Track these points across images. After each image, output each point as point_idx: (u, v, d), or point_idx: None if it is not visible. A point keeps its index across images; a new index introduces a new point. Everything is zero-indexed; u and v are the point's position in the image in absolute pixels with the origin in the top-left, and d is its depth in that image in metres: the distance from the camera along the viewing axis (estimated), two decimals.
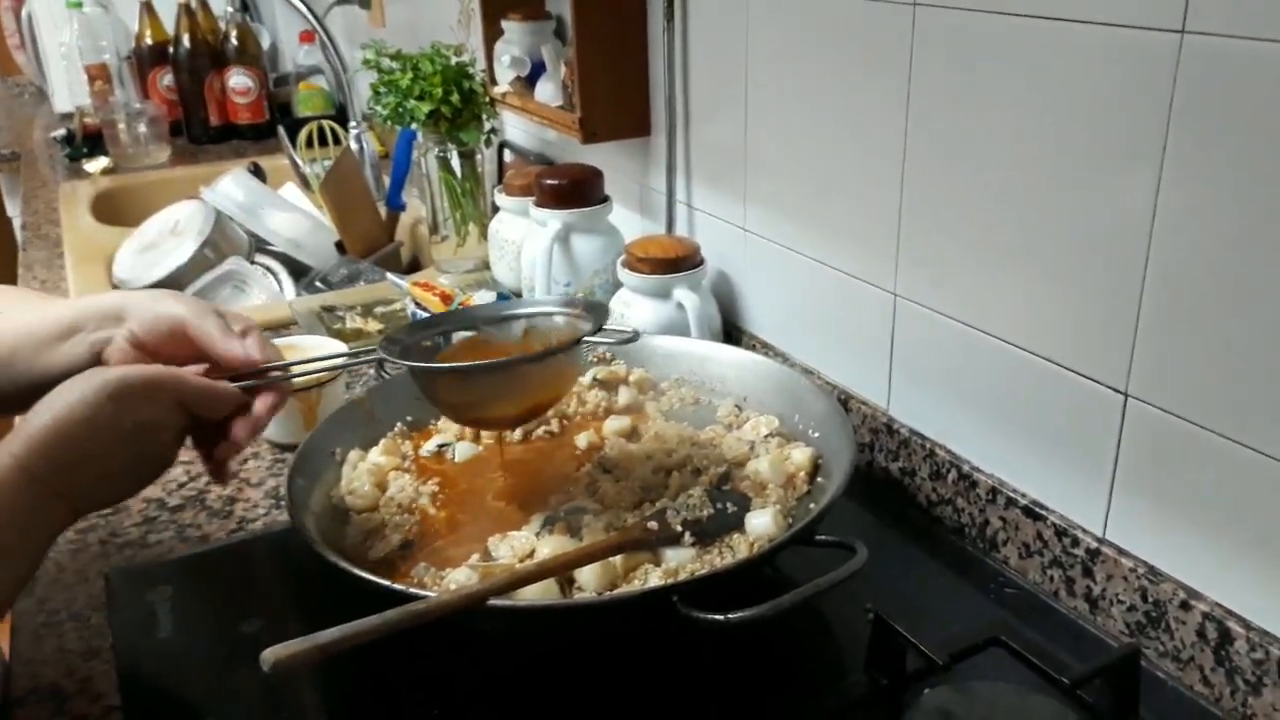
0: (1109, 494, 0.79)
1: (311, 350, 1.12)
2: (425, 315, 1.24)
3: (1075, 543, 0.82)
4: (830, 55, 0.98)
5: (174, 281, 1.57)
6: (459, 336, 0.89)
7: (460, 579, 0.75)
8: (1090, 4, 0.71)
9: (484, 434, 0.98)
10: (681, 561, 0.77)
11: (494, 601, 0.68)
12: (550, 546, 0.78)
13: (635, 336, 0.86)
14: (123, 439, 0.71)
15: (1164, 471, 0.75)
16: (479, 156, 1.55)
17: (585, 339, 0.81)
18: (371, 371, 1.24)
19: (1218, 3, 0.64)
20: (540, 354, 0.83)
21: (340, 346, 1.13)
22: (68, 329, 0.82)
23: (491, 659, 0.80)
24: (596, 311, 0.84)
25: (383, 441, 0.96)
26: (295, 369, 0.82)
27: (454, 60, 1.48)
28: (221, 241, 1.62)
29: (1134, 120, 0.70)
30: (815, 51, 1.00)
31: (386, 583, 0.72)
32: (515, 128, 1.74)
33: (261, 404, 0.79)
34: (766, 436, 0.94)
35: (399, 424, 0.99)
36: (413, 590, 0.72)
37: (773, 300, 1.17)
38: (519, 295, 1.39)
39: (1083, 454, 0.80)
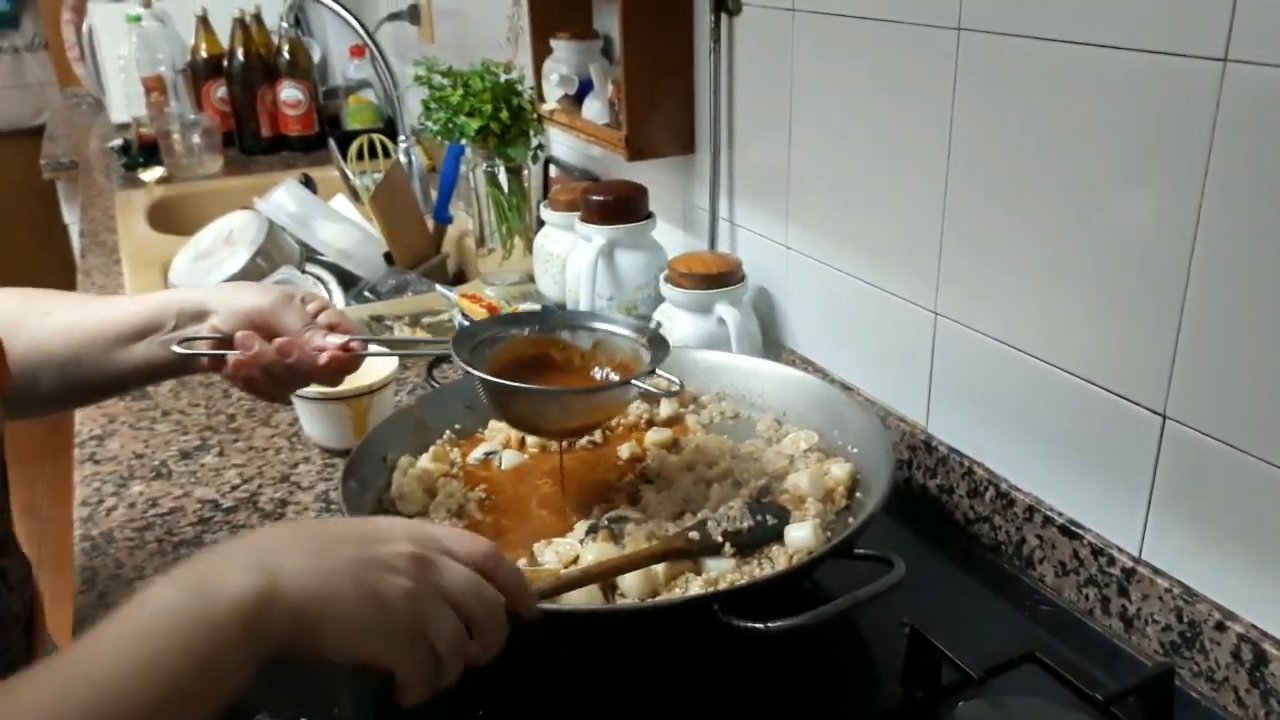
0: (1145, 514, 0.80)
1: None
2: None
3: (1111, 562, 0.83)
4: (875, 76, 1.00)
5: None
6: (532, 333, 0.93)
7: None
8: (1133, 31, 0.73)
9: (529, 443, 1.01)
10: (722, 571, 0.78)
11: (541, 605, 0.71)
12: (594, 553, 0.80)
13: (680, 390, 0.89)
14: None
15: (1201, 493, 0.76)
16: (525, 172, 1.58)
17: (632, 381, 0.83)
18: (421, 378, 1.27)
19: (1261, 32, 0.65)
20: (584, 389, 0.89)
21: (391, 360, 1.16)
22: (143, 328, 0.84)
23: (535, 662, 0.82)
24: (658, 349, 0.87)
25: (432, 448, 0.98)
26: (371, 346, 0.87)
27: (503, 78, 1.52)
28: (274, 251, 1.65)
29: (1176, 146, 0.72)
30: (860, 73, 1.02)
31: None
32: (561, 144, 1.77)
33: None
34: (806, 451, 0.96)
35: (448, 431, 1.02)
36: None
37: (813, 317, 1.19)
38: (563, 308, 1.42)
39: (1120, 474, 0.81)
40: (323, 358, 0.83)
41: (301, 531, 0.60)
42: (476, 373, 0.84)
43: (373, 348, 0.87)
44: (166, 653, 0.52)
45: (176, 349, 0.83)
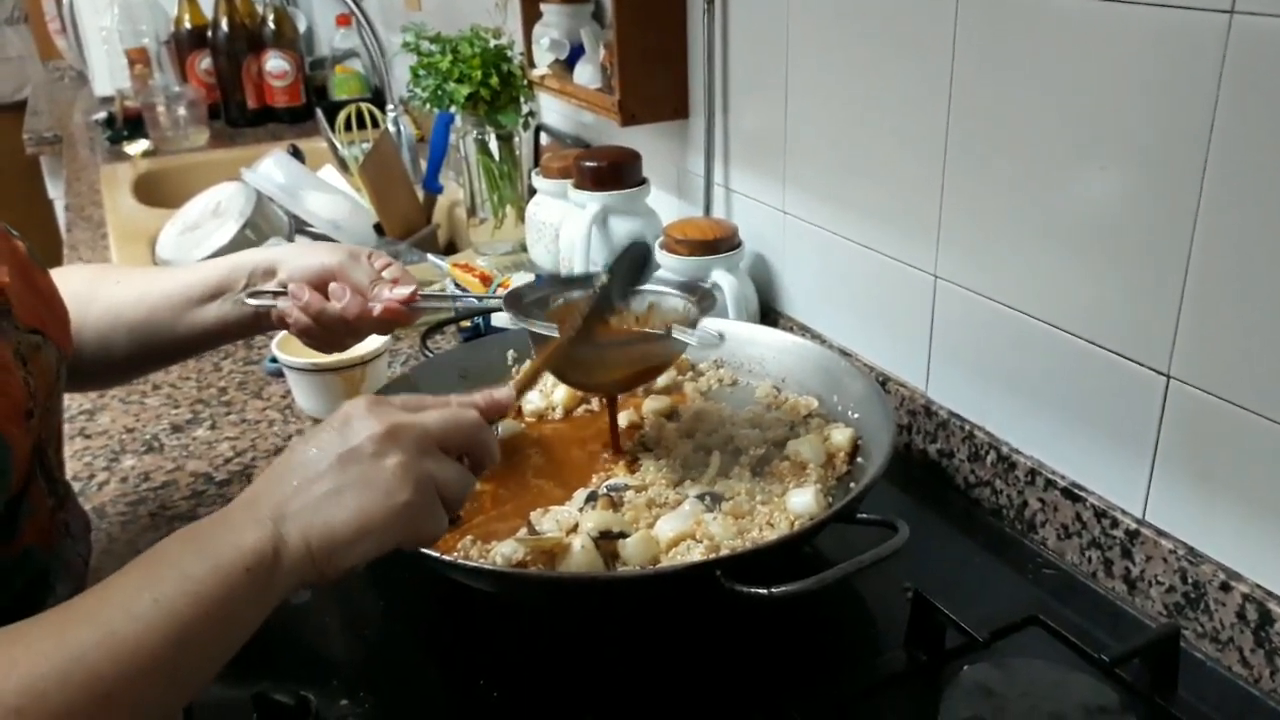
0: (1149, 475, 0.80)
1: None
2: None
3: (1114, 524, 0.82)
4: (872, 36, 0.98)
5: None
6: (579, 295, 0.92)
7: (506, 552, 0.77)
8: None
9: (526, 412, 1.00)
10: (723, 535, 0.77)
11: (542, 572, 0.70)
12: (593, 521, 0.79)
13: (720, 341, 0.86)
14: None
15: (1205, 453, 0.75)
16: (516, 139, 1.56)
17: (674, 332, 0.84)
18: (414, 349, 1.25)
19: None
20: (629, 338, 0.89)
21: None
22: (216, 289, 0.89)
23: (539, 631, 0.81)
24: (705, 301, 0.89)
25: None
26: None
27: (493, 43, 1.49)
28: (262, 222, 1.63)
29: (1181, 102, 0.70)
30: (857, 32, 1.00)
31: (435, 554, 0.73)
32: (552, 110, 1.75)
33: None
34: (806, 417, 0.95)
35: None
36: (461, 561, 0.73)
37: (811, 282, 1.17)
38: (557, 276, 1.40)
39: (1123, 435, 0.81)
40: (377, 308, 0.86)
41: (285, 472, 0.60)
42: (531, 325, 0.85)
43: (431, 302, 0.91)
44: (178, 600, 0.53)
45: (246, 300, 0.88)
